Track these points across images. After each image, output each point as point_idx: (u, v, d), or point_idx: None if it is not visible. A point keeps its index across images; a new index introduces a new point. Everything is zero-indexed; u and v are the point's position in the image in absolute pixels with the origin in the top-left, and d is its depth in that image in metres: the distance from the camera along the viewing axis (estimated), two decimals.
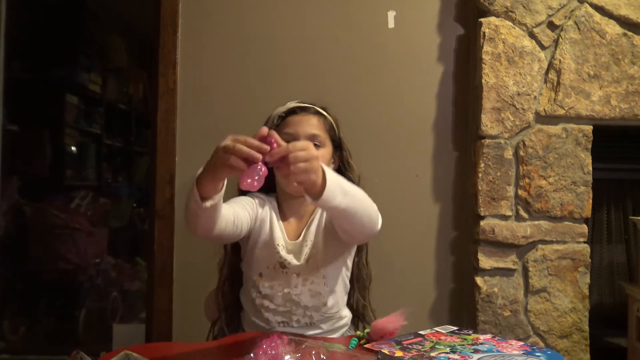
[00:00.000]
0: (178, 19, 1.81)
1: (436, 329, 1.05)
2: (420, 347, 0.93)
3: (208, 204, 0.99)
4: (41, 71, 3.29)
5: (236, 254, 1.30)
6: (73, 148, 3.60)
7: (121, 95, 4.08)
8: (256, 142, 0.89)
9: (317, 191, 0.94)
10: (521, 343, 0.97)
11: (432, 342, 0.96)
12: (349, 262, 1.30)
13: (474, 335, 1.00)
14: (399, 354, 0.89)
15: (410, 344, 0.94)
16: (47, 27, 3.32)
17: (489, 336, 1.00)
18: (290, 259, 1.20)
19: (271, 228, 1.22)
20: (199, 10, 1.83)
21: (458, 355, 0.88)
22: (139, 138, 4.23)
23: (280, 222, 1.25)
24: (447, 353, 0.89)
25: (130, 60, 4.00)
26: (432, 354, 0.88)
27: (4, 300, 2.84)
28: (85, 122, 3.67)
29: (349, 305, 1.35)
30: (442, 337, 0.99)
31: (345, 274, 1.29)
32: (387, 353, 0.90)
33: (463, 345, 0.94)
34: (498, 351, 0.91)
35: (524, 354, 0.90)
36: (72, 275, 3.04)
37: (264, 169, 0.89)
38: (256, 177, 0.89)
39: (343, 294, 1.29)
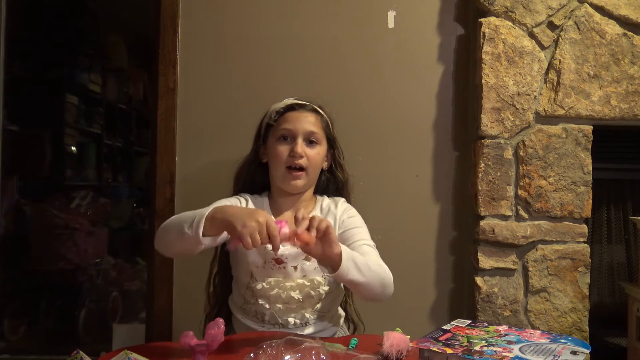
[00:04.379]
0: (178, 19, 1.81)
1: (454, 323, 1.01)
2: (458, 342, 0.89)
3: (207, 241, 1.03)
4: (41, 71, 3.29)
5: (226, 252, 1.31)
6: (73, 148, 3.59)
7: (121, 95, 4.08)
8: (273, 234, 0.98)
9: (334, 265, 1.02)
10: (540, 332, 0.95)
11: (465, 336, 0.92)
12: None
13: (492, 327, 0.98)
14: (448, 350, 0.86)
15: (447, 339, 0.91)
16: (47, 27, 3.32)
17: (505, 327, 0.98)
18: (287, 250, 1.19)
19: None
20: (199, 10, 1.82)
21: (499, 347, 0.86)
22: (139, 138, 4.23)
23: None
24: (487, 346, 0.87)
25: (130, 60, 4.01)
26: (476, 348, 0.86)
27: (4, 300, 2.84)
28: (85, 122, 3.67)
29: (341, 305, 1.36)
30: (468, 331, 0.96)
31: None
32: (438, 351, 0.86)
33: (492, 337, 0.92)
34: (526, 340, 0.89)
35: (551, 341, 0.89)
36: (72, 275, 3.04)
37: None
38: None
39: (339, 294, 1.30)
